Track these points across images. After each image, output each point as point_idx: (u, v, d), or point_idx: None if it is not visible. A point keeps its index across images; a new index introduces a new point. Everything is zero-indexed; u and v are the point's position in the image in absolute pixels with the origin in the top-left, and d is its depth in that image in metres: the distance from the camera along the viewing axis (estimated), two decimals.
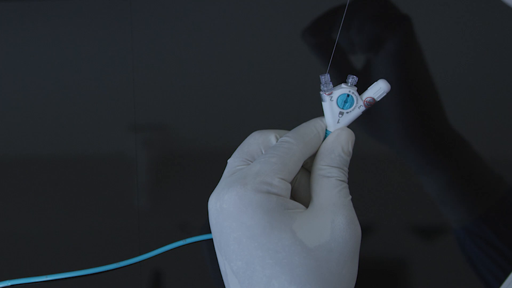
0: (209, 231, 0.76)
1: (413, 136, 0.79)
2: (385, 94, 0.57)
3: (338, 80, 0.78)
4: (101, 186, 0.79)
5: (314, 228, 0.53)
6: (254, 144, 0.56)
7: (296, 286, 0.52)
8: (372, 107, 0.57)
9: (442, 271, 0.76)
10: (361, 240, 0.55)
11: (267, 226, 0.52)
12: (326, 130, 0.57)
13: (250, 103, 0.81)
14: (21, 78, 0.81)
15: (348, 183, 0.56)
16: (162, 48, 0.82)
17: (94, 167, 0.79)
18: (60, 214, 0.78)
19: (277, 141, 0.56)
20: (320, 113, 0.57)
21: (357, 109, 0.57)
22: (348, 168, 0.56)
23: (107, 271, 0.75)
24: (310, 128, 0.56)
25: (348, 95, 0.57)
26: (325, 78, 0.57)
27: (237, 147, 0.57)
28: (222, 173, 0.56)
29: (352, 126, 0.57)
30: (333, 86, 0.57)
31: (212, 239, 0.70)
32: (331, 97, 0.57)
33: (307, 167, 0.58)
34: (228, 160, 0.57)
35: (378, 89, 0.57)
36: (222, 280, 0.55)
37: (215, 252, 0.55)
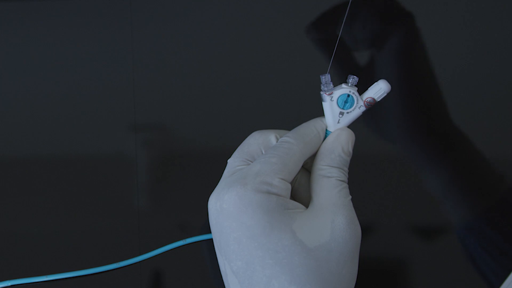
0: (209, 231, 0.76)
1: (415, 134, 0.79)
2: (385, 94, 0.57)
3: (340, 78, 0.78)
4: (101, 186, 0.79)
5: (314, 228, 0.53)
6: (254, 144, 0.56)
7: (296, 286, 0.52)
8: (376, 104, 0.57)
9: (442, 271, 0.76)
10: (361, 240, 0.55)
11: (267, 226, 0.52)
12: (326, 130, 0.57)
13: (250, 103, 0.81)
14: (21, 78, 0.81)
15: (348, 183, 0.56)
16: (162, 48, 0.82)
17: (94, 167, 0.79)
18: (60, 214, 0.78)
19: (277, 141, 0.56)
20: (320, 113, 0.57)
21: (357, 109, 0.57)
22: (348, 168, 0.56)
23: (107, 271, 0.75)
24: (310, 128, 0.56)
25: (348, 95, 0.57)
26: (326, 78, 0.57)
27: (237, 147, 0.57)
28: (222, 173, 0.56)
29: (352, 126, 0.57)
30: (334, 86, 0.57)
31: (212, 239, 0.70)
32: (332, 97, 0.57)
33: (307, 167, 0.58)
34: (228, 160, 0.57)
35: (379, 89, 0.57)
36: (222, 280, 0.55)
37: (215, 252, 0.55)
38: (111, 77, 0.81)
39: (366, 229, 0.77)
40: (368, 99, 0.57)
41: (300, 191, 0.57)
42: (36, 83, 0.81)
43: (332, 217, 0.54)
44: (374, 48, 0.80)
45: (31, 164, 0.79)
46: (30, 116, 0.81)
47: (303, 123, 0.57)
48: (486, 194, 0.78)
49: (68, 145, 0.80)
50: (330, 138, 0.56)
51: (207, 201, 0.55)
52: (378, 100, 0.57)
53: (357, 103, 0.57)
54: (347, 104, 0.57)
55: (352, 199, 0.55)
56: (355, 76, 0.57)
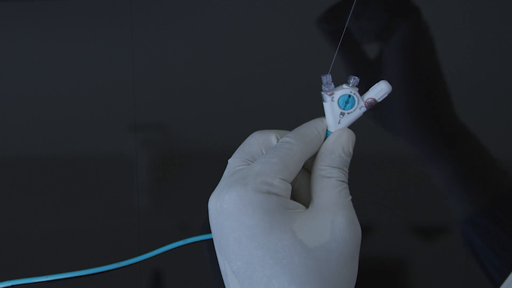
0: (209, 231, 0.76)
1: (420, 127, 0.79)
2: (386, 95, 0.57)
3: (346, 71, 0.78)
4: (101, 186, 0.79)
5: (314, 228, 0.53)
6: (255, 144, 0.56)
7: (296, 286, 0.52)
8: (377, 104, 0.57)
9: (442, 271, 0.76)
10: (361, 240, 0.55)
11: (267, 226, 0.52)
12: (326, 130, 0.57)
13: (250, 103, 0.81)
14: (21, 78, 0.81)
15: (348, 184, 0.56)
16: (162, 48, 0.82)
17: (94, 167, 0.79)
18: (60, 214, 0.78)
19: (277, 142, 0.56)
20: (320, 113, 0.57)
21: (358, 110, 0.57)
22: (348, 169, 0.56)
23: (107, 271, 0.75)
24: (311, 128, 0.56)
25: (349, 96, 0.57)
26: (327, 78, 0.57)
27: (238, 147, 0.57)
28: (222, 173, 0.56)
29: (353, 126, 0.57)
30: (335, 87, 0.57)
31: (212, 239, 0.70)
32: (332, 97, 0.57)
33: (308, 167, 0.58)
34: (228, 160, 0.57)
35: (380, 90, 0.57)
36: (222, 280, 0.55)
37: (215, 252, 0.55)
38: (111, 77, 0.81)
39: (366, 229, 0.77)
40: (369, 100, 0.57)
41: (301, 191, 0.57)
42: (36, 83, 0.81)
43: (332, 217, 0.54)
44: (381, 41, 0.80)
45: (31, 164, 0.79)
46: (30, 116, 0.81)
47: (304, 123, 0.57)
48: (490, 188, 0.78)
49: (68, 145, 0.80)
50: (330, 139, 0.56)
51: (207, 201, 0.55)
52: (379, 100, 0.57)
53: (358, 103, 0.57)
54: (348, 105, 0.57)
55: (352, 199, 0.55)
56: (356, 77, 0.57)
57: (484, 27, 0.83)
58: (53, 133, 0.80)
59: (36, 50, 0.82)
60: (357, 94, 0.57)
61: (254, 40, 0.82)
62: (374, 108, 0.57)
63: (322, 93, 0.57)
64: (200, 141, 0.80)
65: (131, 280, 0.76)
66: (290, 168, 0.54)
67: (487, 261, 0.76)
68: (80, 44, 0.82)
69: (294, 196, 0.57)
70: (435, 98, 0.80)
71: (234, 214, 0.53)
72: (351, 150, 0.56)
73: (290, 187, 0.54)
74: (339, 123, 0.57)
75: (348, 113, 0.57)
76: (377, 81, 0.57)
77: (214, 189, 0.55)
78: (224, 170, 0.56)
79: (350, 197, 0.55)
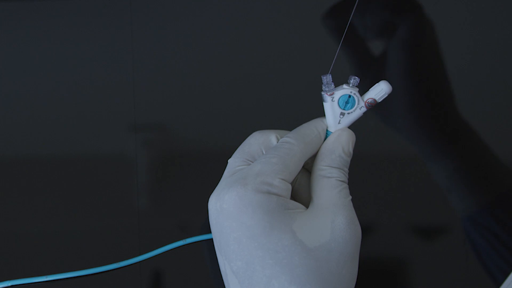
0: (209, 231, 0.76)
1: (422, 123, 0.79)
2: (386, 95, 0.57)
3: (349, 68, 0.78)
4: (101, 186, 0.79)
5: (314, 228, 0.53)
6: (255, 144, 0.56)
7: (296, 286, 0.52)
8: (377, 104, 0.57)
9: (442, 271, 0.76)
10: (361, 240, 0.55)
11: (267, 226, 0.52)
12: (327, 130, 0.57)
13: (250, 103, 0.81)
14: (21, 78, 0.81)
15: (348, 184, 0.56)
16: (162, 48, 0.82)
17: (94, 167, 0.79)
18: (60, 214, 0.78)
19: (278, 142, 0.56)
20: (321, 113, 0.57)
21: (358, 110, 0.57)
22: (348, 169, 0.56)
23: (107, 271, 0.75)
24: (311, 128, 0.56)
25: (349, 96, 0.57)
26: (327, 78, 0.57)
27: (238, 147, 0.57)
28: (222, 173, 0.56)
29: (353, 126, 0.57)
30: (335, 87, 0.57)
31: (212, 239, 0.70)
32: (333, 97, 0.57)
33: (308, 167, 0.58)
34: (228, 160, 0.57)
35: (380, 90, 0.57)
36: (222, 280, 0.55)
37: (215, 252, 0.55)
38: (111, 77, 0.81)
39: (366, 229, 0.77)
40: (369, 100, 0.57)
41: (301, 191, 0.57)
42: (36, 83, 0.81)
43: (332, 217, 0.54)
44: (383, 39, 0.80)
45: (31, 164, 0.79)
46: (30, 116, 0.81)
47: (304, 123, 0.57)
48: (491, 186, 0.78)
49: (68, 145, 0.80)
50: (330, 139, 0.56)
51: (207, 201, 0.55)
52: (379, 101, 0.57)
53: (358, 103, 0.57)
54: (348, 105, 0.57)
55: (352, 199, 0.55)
56: (356, 77, 0.57)
57: (484, 27, 0.83)
58: (53, 133, 0.80)
59: (36, 50, 0.82)
60: (357, 94, 0.57)
61: (254, 40, 0.82)
62: (376, 105, 0.57)
63: (322, 93, 0.57)
64: (200, 141, 0.80)
65: (131, 280, 0.76)
66: (290, 168, 0.54)
67: (488, 260, 0.76)
68: (80, 44, 0.82)
69: (294, 196, 0.57)
70: (438, 96, 0.80)
71: (234, 214, 0.53)
72: (351, 150, 0.56)
73: (290, 187, 0.54)
74: (339, 123, 0.57)
75: (348, 113, 0.57)
76: (378, 80, 0.57)
77: (214, 189, 0.55)
78: (224, 170, 0.56)
79: (350, 197, 0.55)
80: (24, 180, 0.79)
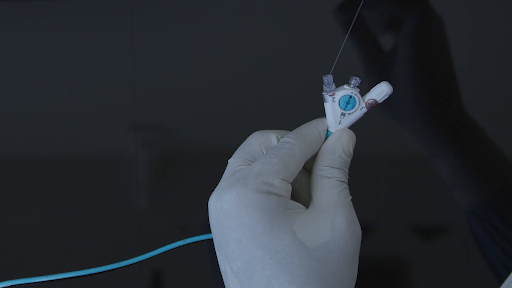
0: (209, 231, 0.76)
1: (427, 116, 0.79)
2: (387, 96, 0.57)
3: (356, 62, 0.78)
4: (101, 186, 0.79)
5: (314, 228, 0.53)
6: (255, 145, 0.56)
7: (296, 286, 0.52)
8: (378, 105, 0.57)
9: (442, 271, 0.76)
10: (361, 240, 0.55)
11: (267, 226, 0.52)
12: (327, 131, 0.57)
13: (250, 103, 0.81)
14: (21, 78, 0.81)
15: (348, 184, 0.56)
16: (162, 48, 0.82)
17: (94, 167, 0.79)
18: (60, 214, 0.78)
19: (278, 142, 0.56)
20: (321, 113, 0.57)
21: (359, 111, 0.57)
22: (349, 169, 0.56)
23: (107, 271, 0.75)
24: (311, 128, 0.56)
25: (350, 97, 0.57)
26: (328, 79, 0.57)
27: (238, 147, 0.57)
28: (223, 173, 0.56)
29: (354, 127, 0.57)
30: (336, 87, 0.57)
31: (212, 239, 0.70)
32: (334, 98, 0.57)
33: (308, 167, 0.58)
34: (228, 160, 0.57)
35: (381, 91, 0.57)
36: (222, 280, 0.55)
37: (215, 252, 0.55)
38: (111, 77, 0.81)
39: (366, 229, 0.77)
40: (370, 101, 0.57)
41: (301, 191, 0.57)
42: (36, 83, 0.81)
43: (332, 217, 0.54)
44: (389, 34, 0.80)
45: (31, 164, 0.79)
46: (30, 116, 0.81)
47: (304, 123, 0.57)
48: (495, 180, 0.78)
49: (68, 145, 0.80)
50: (331, 139, 0.56)
51: (207, 201, 0.55)
52: (380, 102, 0.57)
53: (359, 104, 0.57)
54: (349, 105, 0.57)
55: (352, 199, 0.55)
56: (357, 77, 0.57)
57: (484, 27, 0.83)
58: (53, 133, 0.80)
59: (36, 50, 0.82)
60: (358, 95, 0.57)
61: (254, 40, 0.82)
62: (377, 105, 0.57)
63: (323, 93, 0.57)
64: (200, 141, 0.80)
65: (131, 280, 0.76)
66: (291, 168, 0.54)
67: (491, 255, 0.76)
68: (80, 44, 0.82)
69: (294, 196, 0.57)
70: (442, 91, 0.80)
71: (234, 214, 0.53)
72: (351, 150, 0.56)
73: (290, 187, 0.54)
74: (339, 123, 0.57)
75: (349, 113, 0.57)
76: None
77: (214, 189, 0.55)
78: (224, 170, 0.56)
79: (350, 197, 0.55)
80: (24, 180, 0.79)
